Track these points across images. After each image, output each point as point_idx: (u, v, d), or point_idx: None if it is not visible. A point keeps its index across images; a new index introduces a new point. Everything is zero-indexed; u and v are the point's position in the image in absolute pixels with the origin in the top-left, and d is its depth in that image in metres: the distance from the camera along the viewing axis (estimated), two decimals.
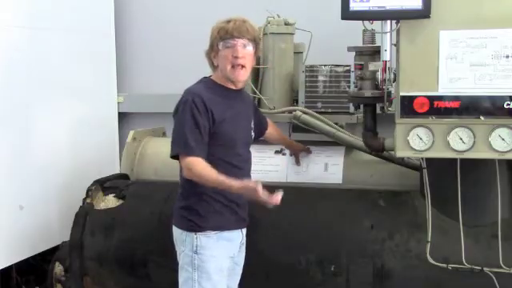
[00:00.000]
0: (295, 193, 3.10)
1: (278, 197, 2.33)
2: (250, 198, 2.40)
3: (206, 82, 2.64)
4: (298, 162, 3.25)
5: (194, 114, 2.48)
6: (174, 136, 2.55)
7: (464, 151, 2.48)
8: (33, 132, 3.55)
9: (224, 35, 2.54)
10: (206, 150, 2.50)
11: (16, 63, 3.41)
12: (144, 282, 3.14)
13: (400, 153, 2.57)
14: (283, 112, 3.38)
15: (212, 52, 2.60)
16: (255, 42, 2.59)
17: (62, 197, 3.71)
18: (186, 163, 2.48)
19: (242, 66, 2.55)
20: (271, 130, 3.04)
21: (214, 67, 2.63)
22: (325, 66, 3.34)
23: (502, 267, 2.60)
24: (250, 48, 2.56)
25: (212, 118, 2.50)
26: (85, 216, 3.26)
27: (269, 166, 3.30)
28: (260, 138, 2.97)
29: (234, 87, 2.62)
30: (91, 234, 3.23)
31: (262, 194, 2.32)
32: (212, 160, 2.53)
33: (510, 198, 2.77)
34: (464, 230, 2.63)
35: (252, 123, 2.75)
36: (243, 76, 2.58)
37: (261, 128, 2.93)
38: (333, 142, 3.24)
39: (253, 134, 2.76)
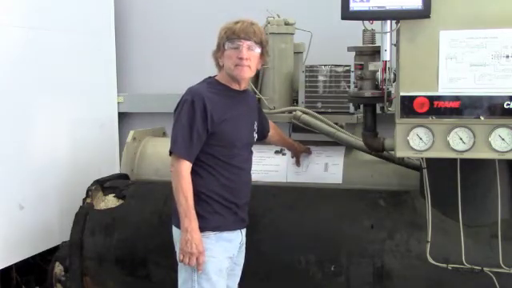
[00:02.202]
0: (295, 193, 3.11)
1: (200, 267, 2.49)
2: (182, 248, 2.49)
3: (209, 81, 2.65)
4: (298, 164, 3.25)
5: (189, 116, 2.49)
6: (171, 134, 2.57)
7: (464, 151, 2.48)
8: (33, 132, 3.55)
9: (230, 35, 2.54)
10: (195, 152, 2.51)
11: (16, 63, 3.41)
12: (144, 282, 3.14)
13: (400, 153, 2.57)
14: (283, 112, 3.38)
15: (218, 52, 2.61)
16: (262, 44, 2.59)
17: (61, 197, 3.71)
18: (174, 161, 2.52)
19: (247, 67, 2.55)
20: (273, 132, 3.03)
21: (220, 67, 2.64)
22: (325, 66, 3.34)
23: (501, 267, 2.60)
24: (256, 50, 2.56)
25: (211, 118, 2.50)
26: (85, 216, 3.26)
27: (269, 166, 3.30)
28: (262, 140, 2.97)
29: (237, 87, 2.62)
30: (91, 234, 3.23)
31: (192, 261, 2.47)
32: (212, 159, 2.55)
33: (510, 198, 2.77)
34: (464, 229, 2.63)
35: (255, 125, 2.75)
36: (246, 73, 2.57)
37: (263, 131, 2.92)
38: (333, 142, 3.24)
39: (255, 135, 2.76)
